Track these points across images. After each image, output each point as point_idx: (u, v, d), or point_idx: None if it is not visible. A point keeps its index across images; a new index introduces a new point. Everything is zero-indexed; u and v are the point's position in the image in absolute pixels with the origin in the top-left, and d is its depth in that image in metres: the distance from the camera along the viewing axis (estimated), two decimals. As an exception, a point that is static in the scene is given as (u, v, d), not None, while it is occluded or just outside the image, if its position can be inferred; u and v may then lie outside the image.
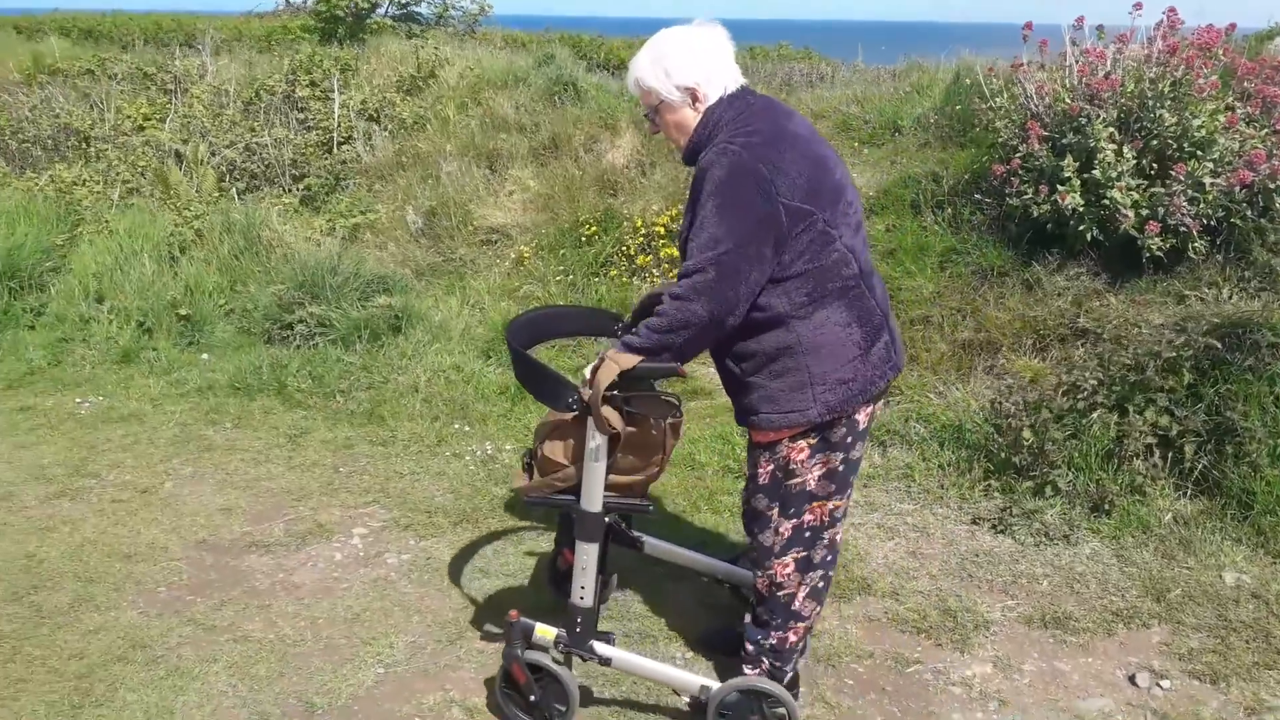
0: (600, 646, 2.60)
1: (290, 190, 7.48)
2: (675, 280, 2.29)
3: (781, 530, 2.51)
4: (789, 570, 2.54)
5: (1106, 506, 3.61)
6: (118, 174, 7.41)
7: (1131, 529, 3.53)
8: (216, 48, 10.76)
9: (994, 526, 3.64)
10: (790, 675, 2.64)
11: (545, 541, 3.61)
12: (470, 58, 8.76)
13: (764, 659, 2.61)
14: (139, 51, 10.70)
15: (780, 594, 2.56)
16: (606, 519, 2.51)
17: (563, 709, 2.58)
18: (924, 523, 3.70)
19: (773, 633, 2.59)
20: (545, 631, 2.58)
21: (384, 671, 2.92)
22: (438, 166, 6.92)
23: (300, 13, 13.83)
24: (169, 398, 4.88)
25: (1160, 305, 4.44)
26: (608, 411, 2.30)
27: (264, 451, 4.34)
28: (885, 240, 5.45)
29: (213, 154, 7.65)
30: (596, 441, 2.35)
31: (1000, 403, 4.03)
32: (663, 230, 6.03)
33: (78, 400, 4.86)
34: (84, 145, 8.30)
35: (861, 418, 2.45)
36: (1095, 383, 3.89)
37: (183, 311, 5.50)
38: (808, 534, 2.52)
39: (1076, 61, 5.15)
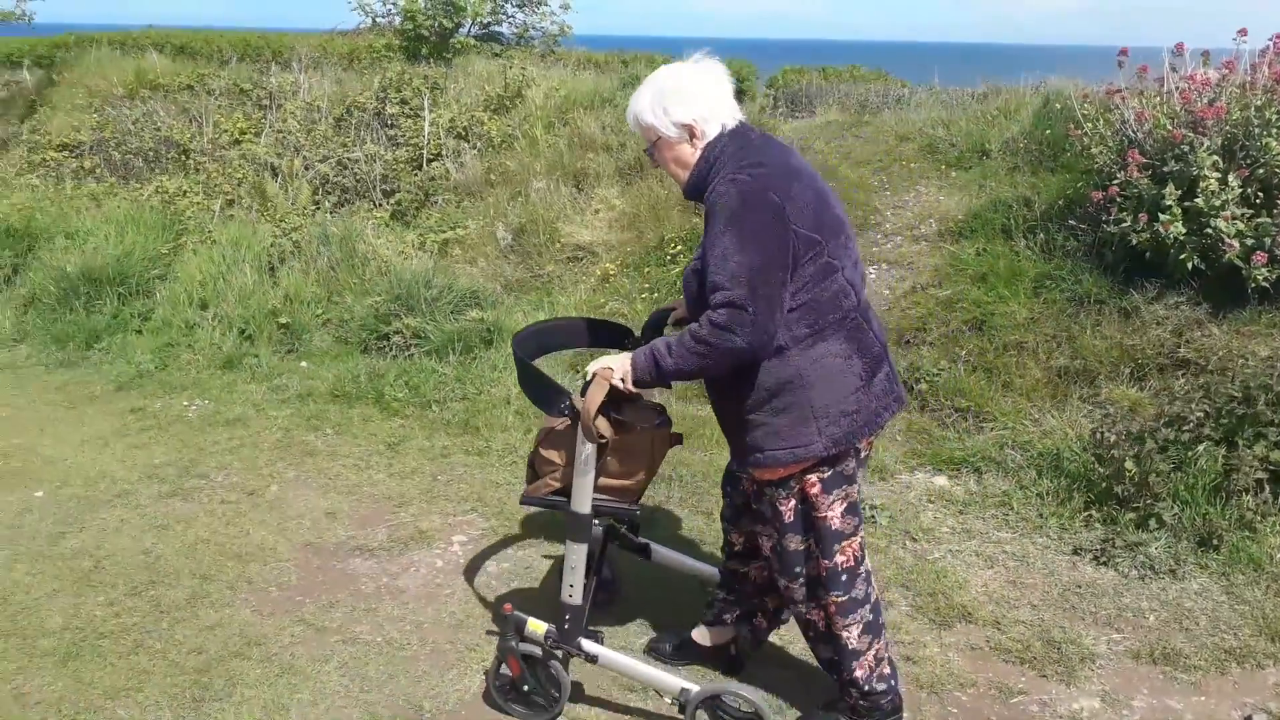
0: (587, 644, 2.69)
1: (381, 205, 7.69)
2: (712, 309, 2.24)
3: (822, 566, 2.48)
4: (833, 611, 2.52)
5: (1215, 541, 3.53)
6: (217, 186, 7.69)
7: (1241, 565, 3.44)
8: (307, 65, 11.10)
9: (1096, 558, 3.58)
10: (889, 700, 2.61)
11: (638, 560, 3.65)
12: (555, 78, 8.92)
13: (851, 692, 2.59)
14: (234, 68, 11.06)
15: (838, 631, 2.54)
16: (598, 522, 2.62)
17: (554, 699, 2.70)
18: (1024, 551, 3.65)
19: (843, 672, 2.58)
20: (537, 626, 2.69)
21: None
22: (526, 184, 7.05)
23: (385, 31, 14.15)
24: (271, 403, 5.04)
25: (1266, 337, 4.34)
26: (598, 421, 2.37)
27: (364, 458, 4.46)
28: (975, 264, 5.41)
29: (306, 168, 7.90)
30: (587, 449, 2.44)
31: (1101, 432, 3.96)
32: (748, 250, 6.07)
33: (185, 403, 5.05)
34: (183, 158, 8.64)
35: (863, 447, 2.45)
36: (1202, 414, 3.82)
37: (282, 320, 5.69)
38: (844, 576, 2.49)
39: (1177, 88, 5.07)
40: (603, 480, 2.54)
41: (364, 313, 5.70)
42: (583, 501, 2.53)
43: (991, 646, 3.12)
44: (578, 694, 2.85)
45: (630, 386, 2.39)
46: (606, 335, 3.04)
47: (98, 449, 4.52)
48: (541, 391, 2.54)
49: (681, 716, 2.64)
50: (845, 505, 2.44)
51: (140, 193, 7.53)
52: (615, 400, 2.43)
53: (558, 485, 2.59)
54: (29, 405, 5.08)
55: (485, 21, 13.59)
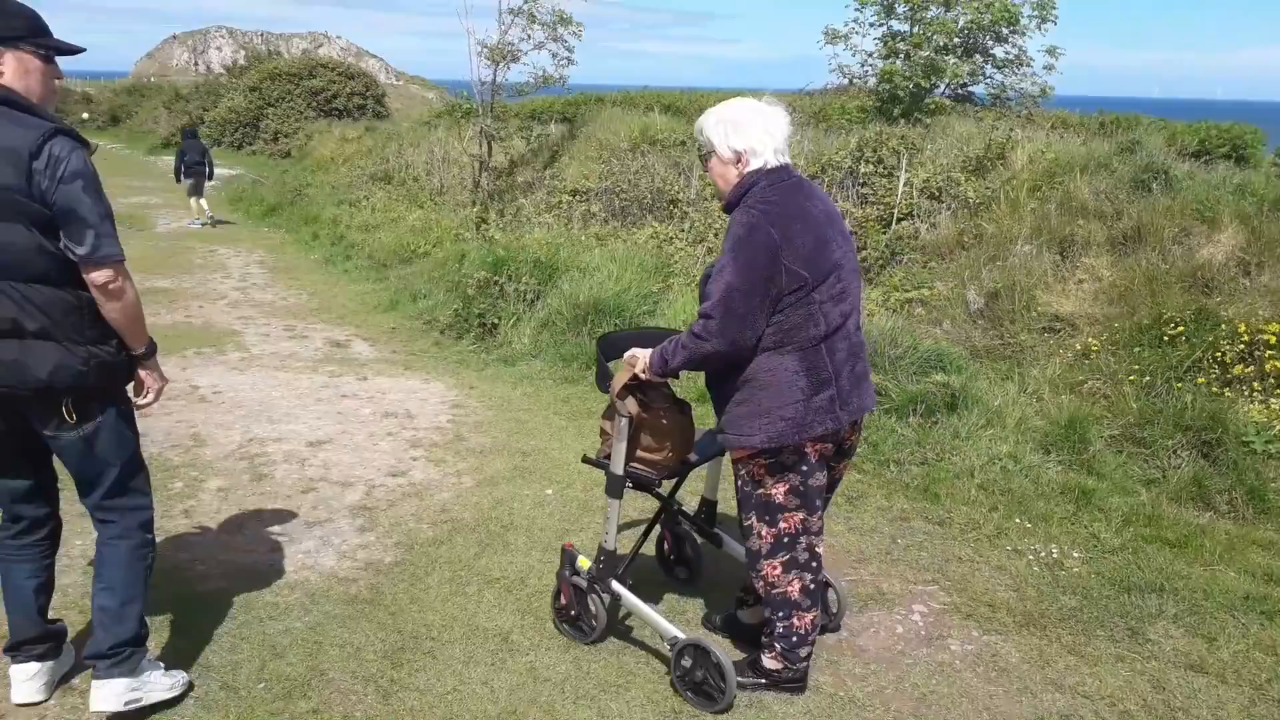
0: (614, 585, 3.24)
1: (847, 260, 7.85)
2: (697, 318, 2.77)
3: (765, 535, 2.93)
4: (777, 571, 2.95)
5: None
6: (700, 234, 8.37)
7: None
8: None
9: None
10: (802, 668, 3.07)
11: (1131, 665, 3.30)
12: (1041, 141, 8.51)
13: (777, 644, 3.03)
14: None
15: (775, 591, 2.98)
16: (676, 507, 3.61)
17: (593, 627, 3.32)
18: None
19: (779, 623, 3.00)
20: (584, 563, 3.31)
21: (957, 763, 2.85)
22: (1004, 248, 6.78)
23: (859, 92, 14.51)
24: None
25: None
26: (627, 400, 2.97)
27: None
28: None
29: (781, 221, 8.30)
30: (621, 422, 3.02)
31: None
32: (1273, 339, 5.27)
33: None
34: (671, 207, 9.53)
35: (810, 453, 2.83)
36: None
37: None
38: (786, 539, 2.92)
39: None
40: (639, 452, 3.09)
41: (831, 365, 5.83)
42: (618, 464, 3.08)
43: None
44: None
45: (648, 375, 2.92)
46: None
47: (593, 460, 5.08)
48: (599, 375, 3.16)
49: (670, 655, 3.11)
50: (788, 487, 2.86)
51: (637, 235, 8.42)
52: (644, 387, 3.00)
53: (610, 451, 3.13)
54: (541, 413, 5.88)
55: (962, 83, 13.38)
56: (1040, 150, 8.13)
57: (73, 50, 2.69)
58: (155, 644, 3.23)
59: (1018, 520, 4.44)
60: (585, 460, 3.32)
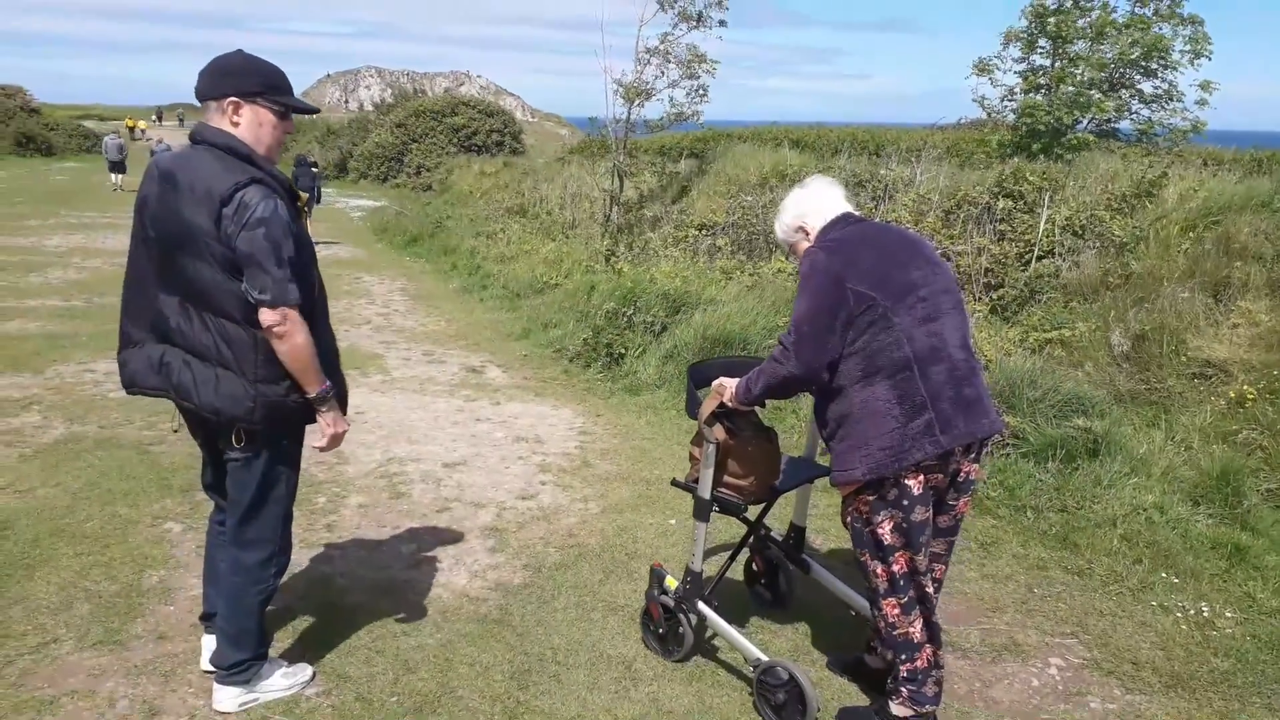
0: (700, 605, 3.34)
1: (981, 299, 7.64)
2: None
3: (879, 573, 2.91)
4: (897, 611, 2.93)
5: None
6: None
7: None
8: (909, 157, 11.53)
9: None
10: (930, 713, 2.95)
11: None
12: (1192, 178, 8.12)
13: (902, 689, 2.95)
14: (854, 159, 11.91)
15: (896, 632, 2.94)
16: (765, 532, 3.71)
17: (679, 645, 3.42)
18: None
19: (902, 667, 2.95)
20: (672, 583, 3.44)
21: (1094, 826, 2.72)
22: (1152, 289, 6.48)
23: (998, 127, 14.16)
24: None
25: None
26: (715, 427, 3.10)
27: (956, 554, 4.41)
28: None
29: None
30: (709, 448, 3.13)
31: None
32: None
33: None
34: (799, 241, 9.48)
35: (912, 484, 2.79)
36: None
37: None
38: (901, 581, 2.90)
39: None
40: (726, 478, 3.20)
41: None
42: (705, 489, 3.19)
43: None
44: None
45: (734, 403, 3.04)
46: None
47: (717, 493, 5.09)
48: (688, 403, 3.30)
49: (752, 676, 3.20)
50: (891, 525, 2.84)
51: (763, 270, 8.42)
52: (731, 414, 3.12)
53: (698, 476, 3.23)
54: (663, 442, 5.94)
55: (1108, 118, 12.90)
56: (1192, 188, 7.75)
57: (308, 110, 2.96)
58: (300, 650, 3.41)
59: (1164, 575, 4.21)
60: (674, 483, 3.44)
